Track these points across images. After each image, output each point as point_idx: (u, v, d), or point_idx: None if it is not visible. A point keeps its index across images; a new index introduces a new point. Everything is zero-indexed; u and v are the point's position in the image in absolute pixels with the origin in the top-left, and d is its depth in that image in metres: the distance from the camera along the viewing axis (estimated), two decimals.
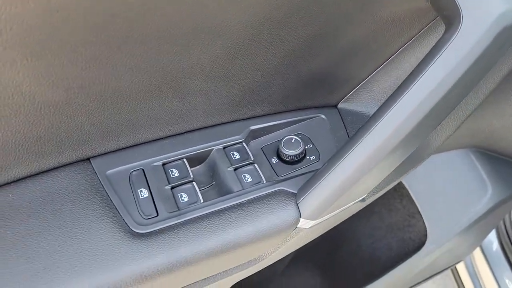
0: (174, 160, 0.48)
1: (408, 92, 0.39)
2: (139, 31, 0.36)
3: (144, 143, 0.48)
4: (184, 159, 0.48)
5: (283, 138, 0.52)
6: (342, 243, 1.02)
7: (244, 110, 0.51)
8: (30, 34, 0.32)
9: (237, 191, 0.47)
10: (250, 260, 0.50)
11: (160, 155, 0.48)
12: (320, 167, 0.49)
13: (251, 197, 0.46)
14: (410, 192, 0.87)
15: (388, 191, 0.62)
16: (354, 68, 0.54)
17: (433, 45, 0.39)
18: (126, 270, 0.40)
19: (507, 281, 1.27)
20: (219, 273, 0.49)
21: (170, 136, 0.49)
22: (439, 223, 0.85)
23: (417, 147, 0.46)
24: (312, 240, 0.58)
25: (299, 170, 0.51)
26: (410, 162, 0.60)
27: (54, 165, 0.45)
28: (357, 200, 0.51)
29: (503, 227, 1.25)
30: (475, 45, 0.35)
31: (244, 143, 0.51)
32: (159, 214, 0.44)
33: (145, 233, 0.42)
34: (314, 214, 0.46)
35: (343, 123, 0.57)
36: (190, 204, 0.45)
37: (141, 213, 0.44)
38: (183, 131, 0.50)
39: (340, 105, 0.58)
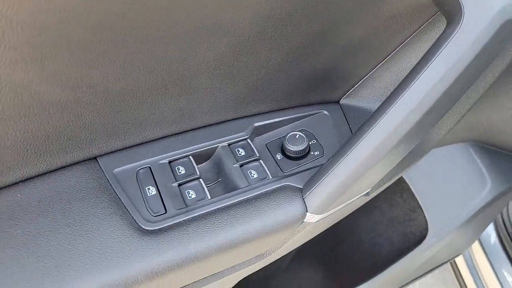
0: (180, 158, 0.49)
1: (411, 86, 0.39)
2: (146, 30, 0.36)
3: (150, 141, 0.49)
4: (190, 157, 0.49)
5: (287, 134, 0.52)
6: (344, 238, 1.03)
7: (248, 107, 0.52)
8: (40, 35, 0.32)
9: (244, 187, 0.47)
10: (257, 255, 0.50)
11: (166, 153, 0.48)
12: (325, 162, 0.50)
13: (258, 192, 0.47)
14: (411, 186, 0.88)
15: (389, 186, 0.62)
16: (356, 64, 0.55)
17: (434, 40, 0.40)
18: (137, 267, 0.40)
19: (505, 273, 1.28)
20: (227, 268, 0.49)
21: (175, 134, 0.50)
22: (439, 216, 0.86)
23: (419, 141, 0.47)
24: (315, 236, 0.58)
25: (304, 166, 0.51)
26: (412, 156, 0.61)
27: (62, 164, 0.45)
28: (361, 194, 0.51)
29: (500, 220, 1.27)
30: (477, 39, 0.36)
31: (249, 140, 0.51)
32: (167, 211, 0.44)
33: (154, 230, 0.43)
34: (320, 208, 0.47)
35: (346, 118, 0.57)
36: (198, 201, 0.46)
37: (149, 210, 0.44)
38: (189, 129, 0.50)
39: (342, 101, 0.59)
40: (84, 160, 0.46)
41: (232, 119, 0.52)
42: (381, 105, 0.43)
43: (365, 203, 0.62)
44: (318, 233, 0.56)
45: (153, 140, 0.49)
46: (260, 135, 0.54)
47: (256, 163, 0.50)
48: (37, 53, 0.34)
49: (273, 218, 0.45)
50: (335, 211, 0.50)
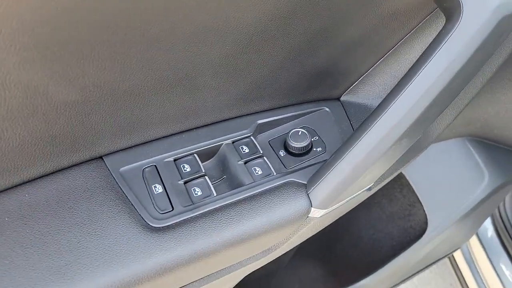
0: (185, 156, 0.49)
1: (413, 81, 0.40)
2: (153, 31, 0.37)
3: (155, 139, 0.49)
4: (195, 155, 0.49)
5: (290, 131, 0.53)
6: (344, 235, 1.04)
7: (251, 105, 0.53)
8: (49, 35, 0.33)
9: (249, 184, 0.48)
10: (264, 250, 0.51)
11: (171, 151, 0.49)
12: (327, 158, 0.50)
13: (263, 189, 0.48)
14: (410, 182, 0.89)
15: (388, 182, 0.63)
16: (356, 62, 0.56)
17: (432, 36, 0.40)
18: (147, 264, 0.41)
19: (503, 267, 1.30)
20: (234, 264, 0.50)
21: (180, 132, 0.50)
22: (439, 211, 0.87)
23: (421, 135, 0.48)
24: (315, 234, 0.59)
25: (307, 162, 0.52)
26: (412, 152, 0.62)
27: (68, 164, 0.45)
28: (364, 189, 0.52)
29: (498, 214, 1.28)
30: (477, 35, 0.37)
31: (252, 137, 0.52)
32: (174, 208, 0.45)
33: (162, 227, 0.43)
34: (324, 203, 0.48)
35: (347, 115, 0.58)
36: (204, 198, 0.46)
37: (156, 208, 0.45)
38: (193, 127, 0.51)
39: (342, 98, 0.60)
40: (91, 160, 0.47)
41: (235, 117, 0.53)
42: (383, 100, 0.43)
43: (365, 200, 0.63)
44: (322, 228, 0.57)
45: (158, 139, 0.49)
46: (263, 133, 0.54)
47: (260, 160, 0.50)
48: (46, 54, 0.34)
49: (278, 214, 0.46)
50: (338, 206, 0.51)
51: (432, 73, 0.39)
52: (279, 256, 0.58)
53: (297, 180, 0.49)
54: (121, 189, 0.45)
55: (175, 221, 0.44)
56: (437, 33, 0.40)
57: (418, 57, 0.41)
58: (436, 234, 0.87)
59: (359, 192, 0.52)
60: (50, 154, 0.43)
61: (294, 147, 0.52)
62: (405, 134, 0.43)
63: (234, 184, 0.49)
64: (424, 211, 0.88)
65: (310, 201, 0.48)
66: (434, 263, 1.09)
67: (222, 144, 0.51)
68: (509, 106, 0.74)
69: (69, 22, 0.33)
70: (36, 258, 0.39)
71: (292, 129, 0.53)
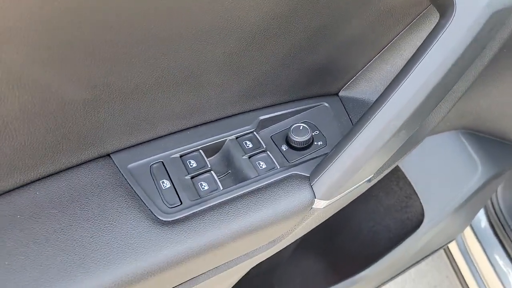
0: (190, 152, 0.50)
1: (410, 75, 0.42)
2: (162, 32, 0.38)
3: (161, 137, 0.50)
4: (200, 150, 0.51)
5: (291, 126, 0.54)
6: (343, 229, 1.06)
7: (253, 102, 0.54)
8: (62, 36, 0.34)
9: (254, 177, 0.50)
10: (270, 241, 0.53)
11: (177, 148, 0.50)
12: (328, 151, 0.52)
13: (267, 182, 0.49)
14: (406, 174, 0.91)
15: (385, 175, 0.65)
16: (354, 58, 0.57)
17: (427, 32, 0.42)
18: (159, 256, 0.42)
19: (497, 257, 1.33)
20: (241, 255, 0.51)
21: (185, 129, 0.52)
22: (435, 202, 0.90)
23: (417, 127, 0.50)
24: (317, 227, 0.61)
25: (309, 156, 0.54)
26: (408, 144, 0.64)
27: (77, 162, 0.46)
28: (364, 180, 0.54)
29: (490, 205, 1.31)
30: (469, 30, 0.39)
31: (255, 133, 0.54)
32: (182, 202, 0.46)
33: (172, 220, 0.44)
34: (327, 194, 0.49)
35: (345, 109, 0.60)
36: (211, 192, 0.48)
37: (165, 202, 0.46)
38: (198, 124, 0.52)
39: (341, 93, 0.61)
40: (98, 158, 0.48)
41: (238, 113, 0.54)
42: (381, 94, 0.45)
43: (363, 193, 0.64)
44: (325, 219, 0.58)
45: (164, 136, 0.50)
46: (265, 128, 0.56)
47: (263, 154, 0.52)
48: (58, 54, 0.35)
49: (284, 205, 0.48)
50: (341, 197, 0.52)
51: (428, 67, 0.41)
52: (281, 250, 0.60)
53: (300, 173, 0.51)
54: (130, 185, 0.46)
55: (184, 215, 0.45)
56: (431, 29, 0.42)
57: (413, 52, 0.43)
58: (432, 225, 0.90)
59: (360, 183, 0.53)
60: (60, 152, 0.44)
61: (296, 141, 0.53)
62: (403, 126, 0.45)
63: (239, 178, 0.50)
64: (420, 202, 0.91)
65: (314, 193, 0.49)
66: (430, 254, 1.11)
67: (226, 139, 0.52)
68: (500, 99, 0.76)
69: (77, 23, 0.34)
70: (51, 253, 0.40)
71: (294, 124, 0.55)
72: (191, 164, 0.50)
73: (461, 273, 1.42)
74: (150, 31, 0.38)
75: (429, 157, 0.90)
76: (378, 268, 0.96)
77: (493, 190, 0.99)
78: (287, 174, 0.50)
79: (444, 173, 0.89)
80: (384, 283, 1.08)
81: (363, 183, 0.54)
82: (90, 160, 0.47)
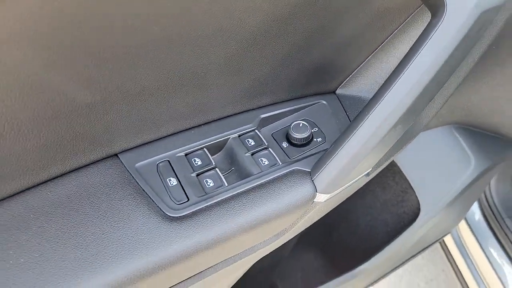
0: (195, 150, 0.52)
1: (404, 72, 0.44)
2: (168, 36, 0.40)
3: (167, 136, 0.52)
4: (205, 149, 0.52)
5: (291, 124, 0.56)
6: (341, 224, 1.08)
7: (254, 101, 0.56)
8: (72, 38, 0.35)
9: (257, 173, 0.51)
10: (274, 235, 0.55)
11: (183, 146, 0.52)
12: (328, 147, 0.54)
13: (270, 177, 0.51)
14: (402, 169, 0.94)
15: (381, 170, 0.68)
16: (350, 57, 0.59)
17: (420, 31, 0.44)
18: (168, 251, 0.44)
19: (491, 249, 1.36)
20: (247, 249, 0.53)
21: (189, 128, 0.53)
22: (430, 195, 0.92)
23: (412, 122, 0.52)
24: (316, 223, 0.63)
25: (309, 152, 0.56)
26: (404, 139, 0.66)
27: (86, 162, 0.48)
28: (363, 174, 0.56)
29: (484, 198, 1.34)
30: (460, 28, 0.41)
31: (256, 131, 0.56)
32: (189, 199, 0.48)
33: (180, 216, 0.46)
34: (328, 188, 0.51)
35: (342, 106, 0.62)
36: (216, 188, 0.49)
37: (173, 199, 0.47)
38: (201, 123, 0.54)
39: (338, 91, 0.64)
40: (107, 158, 0.49)
41: (240, 112, 0.56)
42: (377, 91, 0.47)
43: (360, 188, 0.67)
44: (326, 212, 0.60)
45: (169, 135, 0.52)
46: (266, 126, 0.58)
47: (265, 151, 0.54)
48: (68, 56, 0.36)
49: (287, 199, 0.50)
50: (341, 190, 0.54)
51: (421, 64, 0.43)
52: (282, 246, 0.62)
53: (302, 168, 0.53)
54: (138, 183, 0.48)
55: (192, 211, 0.47)
56: (423, 28, 0.44)
57: (406, 51, 0.45)
58: (428, 218, 0.92)
59: (359, 177, 0.55)
60: (70, 153, 0.45)
61: (296, 138, 0.55)
62: (399, 121, 0.47)
63: (243, 174, 0.52)
64: (416, 196, 0.93)
65: (315, 187, 0.51)
66: (427, 247, 1.14)
67: (229, 138, 0.54)
68: (490, 95, 0.78)
69: (90, 28, 0.35)
70: (64, 251, 0.42)
71: (293, 122, 0.57)
72: (196, 162, 0.51)
73: (457, 266, 1.45)
74: (155, 34, 0.40)
75: (424, 152, 0.92)
76: (376, 262, 0.99)
77: (486, 183, 1.02)
78: (289, 170, 0.52)
79: (438, 167, 0.91)
80: (382, 277, 1.10)
81: (362, 176, 0.57)
82: (99, 160, 0.49)
